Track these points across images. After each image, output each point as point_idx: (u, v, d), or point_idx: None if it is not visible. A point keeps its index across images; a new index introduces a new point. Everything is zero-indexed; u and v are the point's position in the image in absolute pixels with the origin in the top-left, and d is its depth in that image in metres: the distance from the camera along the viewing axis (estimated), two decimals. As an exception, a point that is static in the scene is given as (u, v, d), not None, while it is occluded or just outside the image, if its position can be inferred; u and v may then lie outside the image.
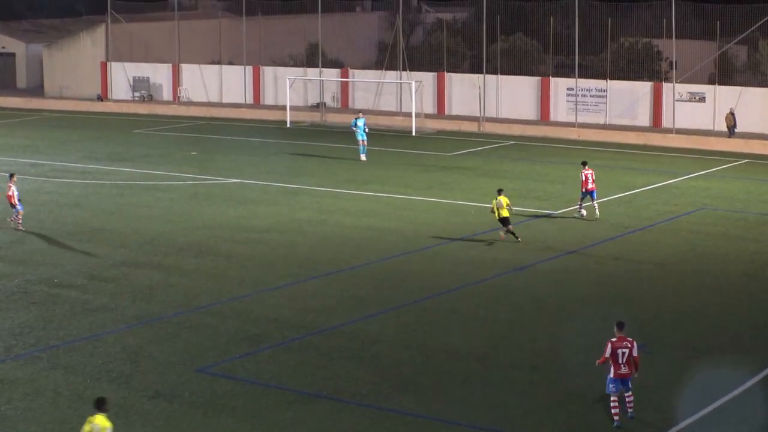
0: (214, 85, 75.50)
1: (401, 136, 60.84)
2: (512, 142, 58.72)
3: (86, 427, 17.20)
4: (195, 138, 60.80)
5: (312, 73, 71.39)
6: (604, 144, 57.93)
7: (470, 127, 63.36)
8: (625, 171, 48.96)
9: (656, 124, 61.27)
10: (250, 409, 21.06)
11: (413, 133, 61.04)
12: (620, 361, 20.00)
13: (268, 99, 73.42)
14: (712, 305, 28.09)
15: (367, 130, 51.25)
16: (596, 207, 37.84)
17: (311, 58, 73.50)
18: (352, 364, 23.48)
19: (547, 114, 64.51)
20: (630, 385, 20.22)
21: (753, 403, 21.31)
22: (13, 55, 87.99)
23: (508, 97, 65.35)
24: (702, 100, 59.98)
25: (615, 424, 20.01)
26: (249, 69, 73.67)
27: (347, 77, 71.06)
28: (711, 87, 60.20)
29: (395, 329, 25.95)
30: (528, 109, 65.07)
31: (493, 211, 34.27)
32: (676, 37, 59.38)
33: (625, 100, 62.25)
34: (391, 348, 24.56)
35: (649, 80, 63.78)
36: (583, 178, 37.48)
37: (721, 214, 39.52)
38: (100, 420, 17.22)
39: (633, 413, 20.29)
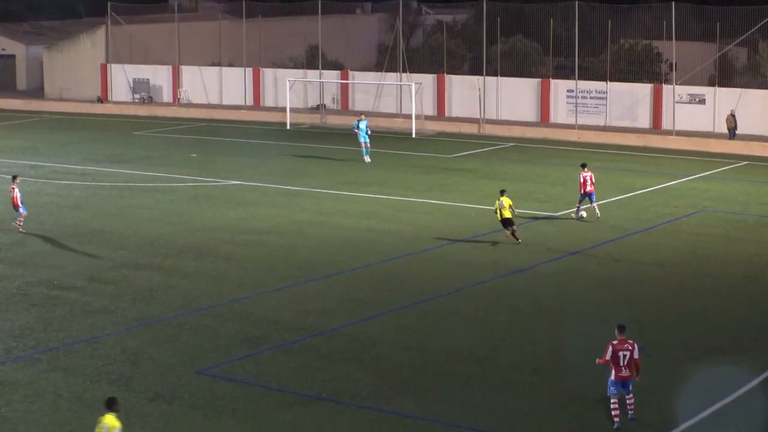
0: (214, 86, 75.46)
1: (401, 137, 60.82)
2: (512, 144, 58.68)
3: (97, 429, 17.25)
4: (195, 140, 60.77)
5: (312, 74, 71.39)
6: (604, 146, 57.88)
7: (470, 128, 63.30)
8: (625, 173, 48.94)
9: (656, 126, 61.24)
10: (250, 411, 21.05)
11: (413, 135, 61.01)
12: (621, 364, 20.02)
13: (268, 101, 73.38)
14: (712, 307, 28.08)
15: (369, 132, 51.28)
16: (596, 207, 37.83)
17: (311, 59, 73.46)
18: (352, 366, 23.47)
19: (547, 116, 64.47)
20: (631, 388, 20.24)
21: (753, 404, 21.29)
22: (13, 56, 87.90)
23: (508, 99, 65.32)
24: (702, 101, 59.97)
25: (615, 425, 20.02)
26: (249, 71, 73.66)
27: (347, 79, 71.05)
28: (711, 89, 60.16)
29: (395, 331, 25.94)
30: (528, 111, 65.04)
31: (496, 212, 34.33)
32: (676, 39, 59.32)
33: (625, 102, 62.20)
34: (391, 350, 24.54)
35: (649, 82, 63.73)
36: (582, 180, 37.45)
37: (721, 216, 39.49)
38: (110, 419, 17.28)
39: (633, 415, 20.30)
